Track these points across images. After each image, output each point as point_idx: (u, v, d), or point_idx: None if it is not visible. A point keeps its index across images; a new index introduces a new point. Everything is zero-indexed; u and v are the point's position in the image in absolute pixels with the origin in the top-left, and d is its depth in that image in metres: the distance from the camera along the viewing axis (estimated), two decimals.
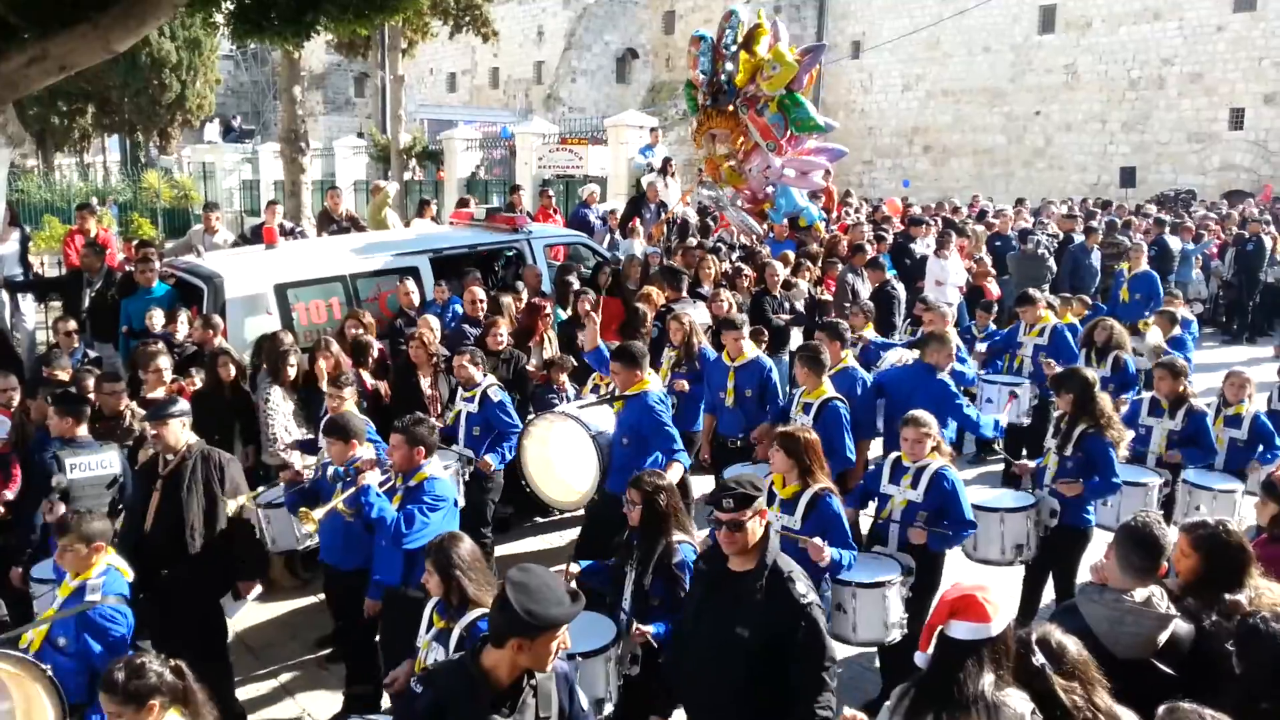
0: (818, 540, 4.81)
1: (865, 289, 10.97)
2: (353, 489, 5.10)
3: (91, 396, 6.58)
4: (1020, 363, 9.27)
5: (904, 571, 5.37)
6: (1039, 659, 3.15)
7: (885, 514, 5.72)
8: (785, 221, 12.83)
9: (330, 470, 5.68)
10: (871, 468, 6.30)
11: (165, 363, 7.24)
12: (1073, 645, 3.23)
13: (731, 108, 12.85)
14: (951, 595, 3.31)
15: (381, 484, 5.19)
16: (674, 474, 5.96)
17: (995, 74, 33.74)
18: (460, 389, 7.25)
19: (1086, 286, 12.89)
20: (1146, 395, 7.46)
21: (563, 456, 6.65)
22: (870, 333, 9.09)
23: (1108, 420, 6.27)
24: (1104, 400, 6.37)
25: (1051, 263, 12.82)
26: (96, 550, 4.53)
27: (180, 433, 5.53)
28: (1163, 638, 3.59)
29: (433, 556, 4.08)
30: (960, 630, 3.22)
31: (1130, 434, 6.86)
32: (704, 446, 7.75)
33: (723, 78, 12.70)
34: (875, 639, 5.34)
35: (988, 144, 34.18)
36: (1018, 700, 3.13)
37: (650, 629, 4.35)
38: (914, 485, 5.63)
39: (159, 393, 7.13)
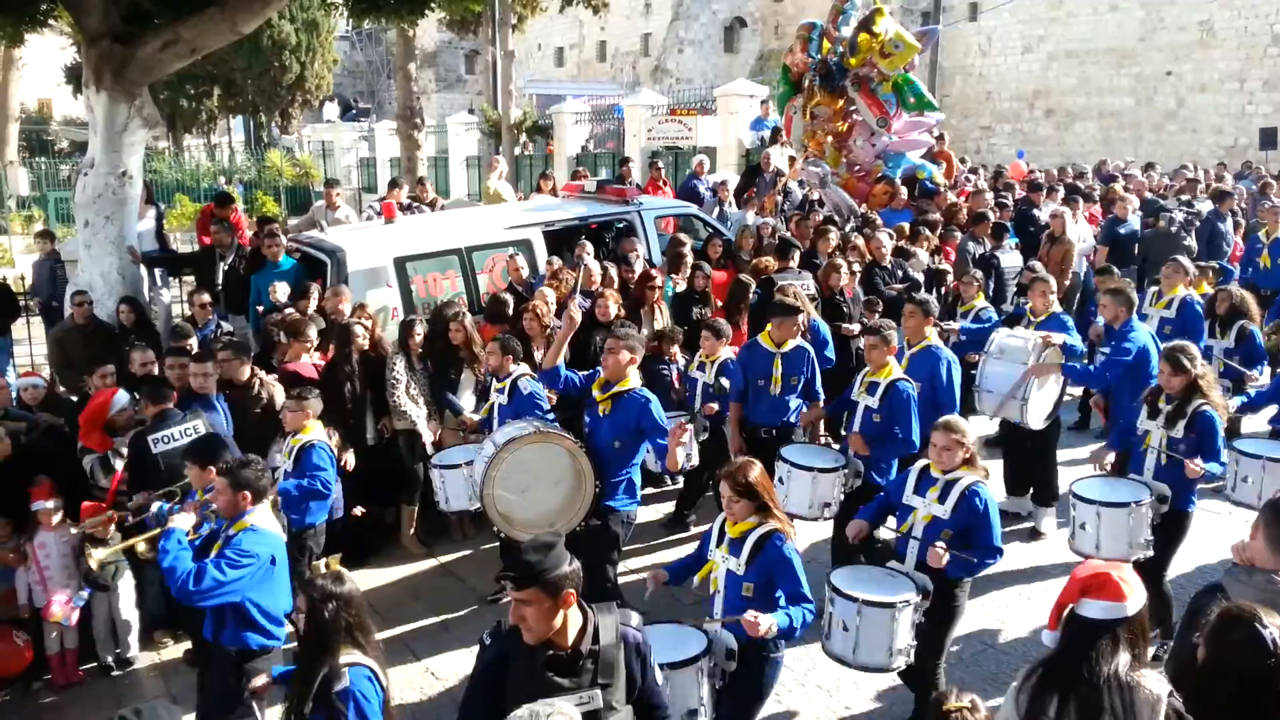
0: (751, 615, 4.11)
1: None
2: (158, 530, 4.66)
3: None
4: None
5: (920, 593, 4.76)
6: (1271, 632, 2.94)
7: (905, 528, 5.12)
8: (903, 187, 12.60)
9: (155, 507, 5.47)
10: (895, 477, 5.79)
11: (313, 333, 7.59)
12: None
13: (839, 89, 12.85)
14: (1084, 573, 3.21)
15: (196, 527, 4.74)
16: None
17: (1123, 33, 32.12)
18: (492, 379, 6.87)
19: (1220, 255, 12.22)
20: None
21: (533, 485, 5.88)
22: (981, 302, 8.76)
23: (1213, 391, 5.87)
24: (1210, 370, 6.04)
25: (1191, 241, 12.03)
26: None
27: None
28: None
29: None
30: (1093, 609, 3.13)
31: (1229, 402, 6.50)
32: (733, 438, 7.14)
33: (833, 59, 12.71)
34: (877, 665, 4.73)
35: (1115, 107, 32.63)
36: (1154, 681, 3.02)
37: None
38: (941, 499, 4.98)
39: (304, 359, 7.45)
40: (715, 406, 7.34)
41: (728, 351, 7.43)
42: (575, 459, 5.78)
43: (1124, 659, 3.04)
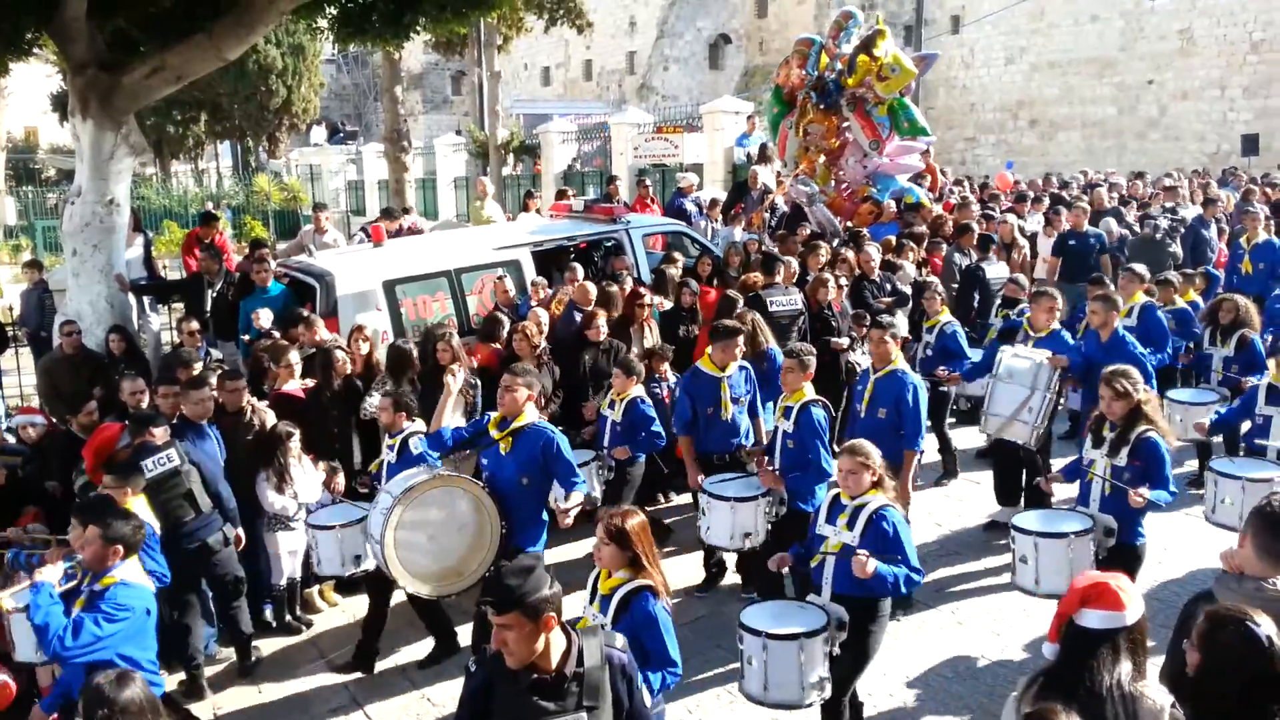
0: None
1: None
2: (25, 584, 4.47)
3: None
4: None
5: (836, 625, 4.59)
6: (1264, 630, 2.92)
7: (817, 559, 4.92)
8: (891, 201, 12.66)
9: (9, 555, 5.26)
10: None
11: (296, 358, 7.59)
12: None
13: (834, 106, 12.94)
14: (1083, 583, 3.20)
15: (61, 582, 4.50)
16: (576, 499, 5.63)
17: (1104, 43, 32.41)
18: (386, 435, 6.57)
19: (1205, 261, 12.28)
20: (1264, 380, 6.81)
21: (437, 533, 5.62)
22: (946, 316, 8.69)
23: (1158, 417, 5.59)
24: (1154, 396, 5.75)
25: (1176, 248, 12.06)
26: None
27: None
28: None
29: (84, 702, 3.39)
30: (1092, 619, 3.12)
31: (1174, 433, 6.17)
32: (690, 471, 6.89)
33: (831, 76, 12.79)
34: (790, 701, 4.57)
35: (1098, 116, 32.88)
36: (1156, 691, 3.01)
37: None
38: (850, 526, 4.80)
39: (292, 385, 7.46)
40: (621, 453, 7.07)
41: (638, 390, 7.19)
42: (478, 500, 5.54)
43: (1125, 668, 3.03)
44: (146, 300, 10.64)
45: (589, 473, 6.93)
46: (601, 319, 8.24)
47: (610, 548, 4.11)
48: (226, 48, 9.25)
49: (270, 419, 6.99)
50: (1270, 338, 8.88)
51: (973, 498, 8.53)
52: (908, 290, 9.93)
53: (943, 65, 36.52)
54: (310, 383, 7.59)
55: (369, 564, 6.10)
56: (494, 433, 5.74)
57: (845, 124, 13.06)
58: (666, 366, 8.11)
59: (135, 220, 10.87)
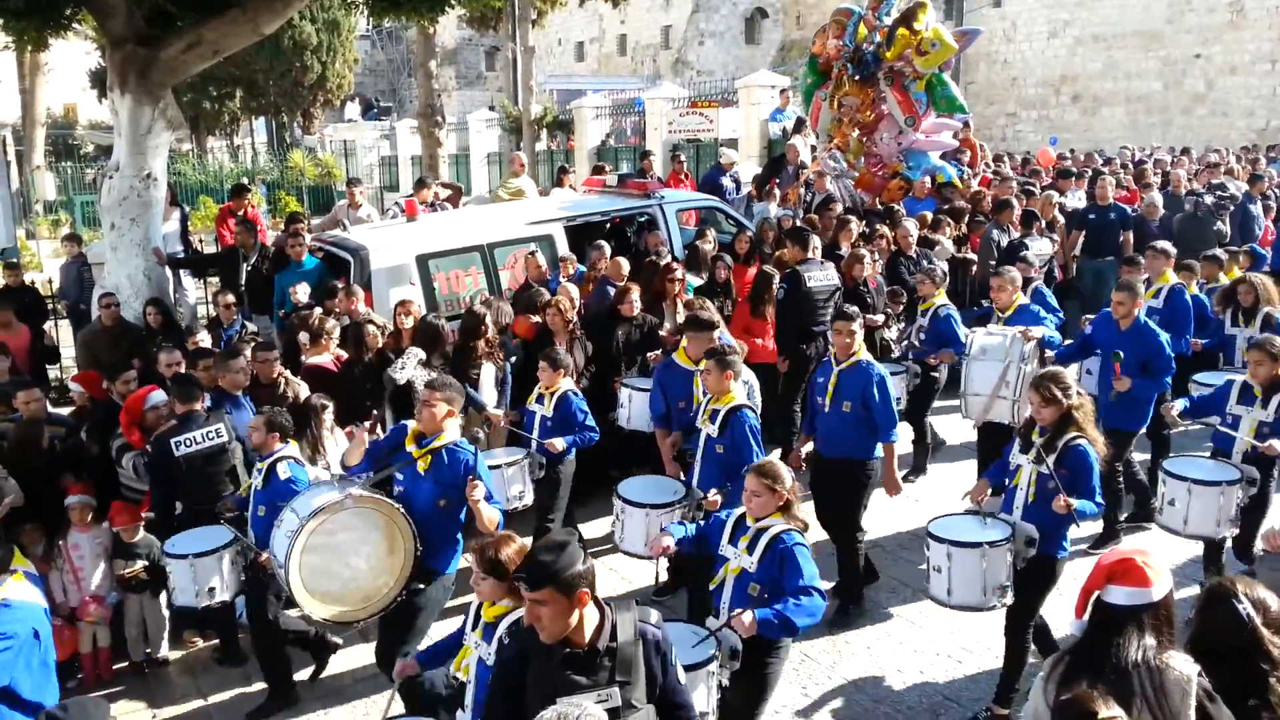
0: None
1: None
2: None
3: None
4: None
5: (729, 655, 4.12)
6: (1245, 607, 3.03)
7: (715, 581, 4.56)
8: (926, 179, 12.50)
9: None
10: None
11: (334, 327, 7.69)
12: (1275, 600, 3.13)
13: (871, 79, 12.75)
14: (1110, 559, 3.25)
15: None
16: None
17: (1150, 16, 31.75)
18: (257, 457, 6.03)
19: (1252, 238, 12.02)
20: (1238, 379, 6.39)
21: (350, 557, 5.14)
22: (941, 299, 8.30)
23: (1089, 423, 5.24)
24: (1088, 400, 5.38)
25: (1223, 225, 11.79)
26: None
27: None
28: None
29: None
30: (1119, 595, 3.16)
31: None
32: (667, 465, 6.67)
33: (869, 48, 12.59)
34: None
35: (1142, 91, 32.26)
36: (1182, 662, 3.03)
37: None
38: (750, 550, 4.40)
39: (325, 358, 7.52)
40: (559, 444, 6.60)
41: (568, 383, 6.85)
42: (392, 521, 5.10)
43: (1150, 643, 3.06)
44: (183, 273, 10.75)
45: (520, 471, 6.50)
46: (634, 294, 8.20)
47: (489, 581, 3.90)
48: (262, 22, 9.28)
49: (304, 391, 7.05)
50: None
51: None
52: (944, 266, 9.80)
53: (983, 39, 35.89)
54: (342, 354, 7.65)
55: (225, 596, 5.71)
56: (411, 449, 5.28)
57: (881, 97, 12.88)
58: None
59: (172, 195, 10.98)
